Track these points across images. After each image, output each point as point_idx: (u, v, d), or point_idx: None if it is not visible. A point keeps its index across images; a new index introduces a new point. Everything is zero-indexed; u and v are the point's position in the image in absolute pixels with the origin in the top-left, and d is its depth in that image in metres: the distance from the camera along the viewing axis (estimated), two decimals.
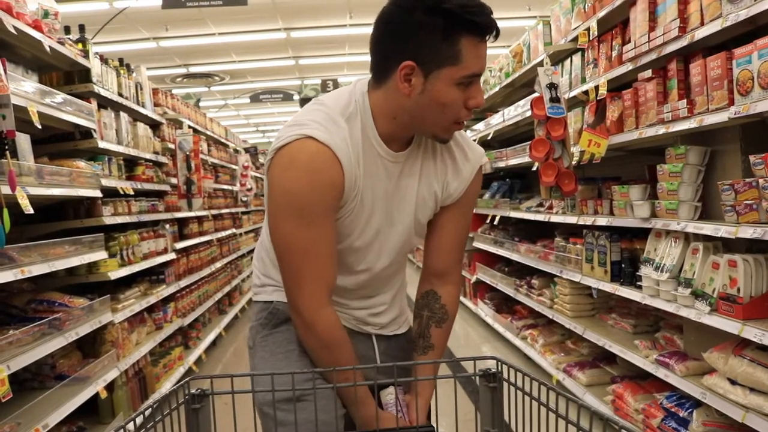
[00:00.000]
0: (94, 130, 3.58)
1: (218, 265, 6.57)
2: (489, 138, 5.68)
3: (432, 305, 1.51)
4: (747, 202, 2.26)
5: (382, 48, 1.31)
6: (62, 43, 3.29)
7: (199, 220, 6.02)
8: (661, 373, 2.83)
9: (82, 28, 3.74)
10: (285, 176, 1.28)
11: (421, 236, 1.52)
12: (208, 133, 7.13)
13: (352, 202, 1.35)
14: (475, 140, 6.08)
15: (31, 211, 2.55)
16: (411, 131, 1.39)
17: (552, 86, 3.60)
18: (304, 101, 12.86)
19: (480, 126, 5.93)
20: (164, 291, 4.48)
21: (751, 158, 2.28)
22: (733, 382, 2.36)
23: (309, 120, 1.31)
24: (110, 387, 3.40)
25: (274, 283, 1.52)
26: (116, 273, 3.59)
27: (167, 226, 4.82)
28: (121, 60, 4.26)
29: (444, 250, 1.52)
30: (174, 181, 5.26)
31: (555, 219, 4.02)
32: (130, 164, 4.31)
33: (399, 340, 1.60)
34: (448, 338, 1.54)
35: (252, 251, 6.65)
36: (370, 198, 1.38)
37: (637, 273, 3.03)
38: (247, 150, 10.61)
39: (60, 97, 3.17)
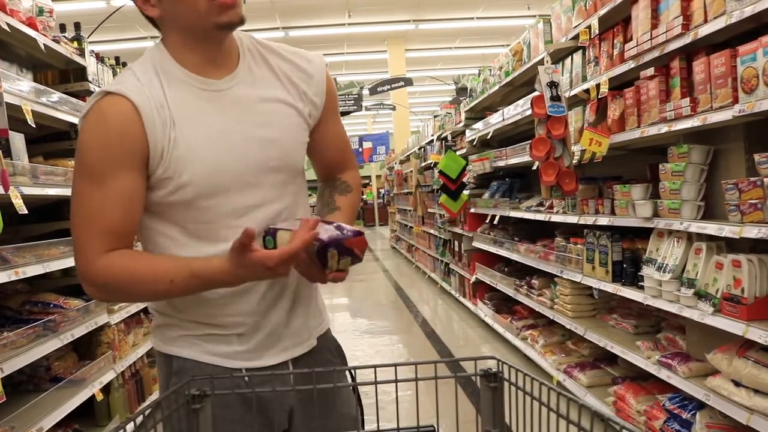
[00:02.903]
0: None
1: None
2: (488, 137, 5.65)
3: (332, 183, 1.48)
4: (751, 201, 2.23)
5: None
6: (57, 41, 3.26)
7: None
8: (663, 374, 2.81)
9: (77, 26, 3.71)
10: (79, 138, 1.22)
11: (293, 166, 1.35)
12: None
13: (169, 142, 1.21)
14: (473, 140, 6.08)
15: (26, 212, 2.52)
16: (211, 43, 1.26)
17: (552, 85, 3.57)
18: None
19: (479, 125, 5.90)
20: None
21: (756, 157, 2.25)
22: (737, 384, 2.34)
23: (111, 82, 1.30)
24: (106, 389, 3.37)
25: None
26: None
27: None
28: (117, 59, 4.23)
29: (340, 159, 1.50)
30: None
31: (555, 219, 3.99)
32: None
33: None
34: (356, 211, 1.49)
35: None
36: (202, 136, 1.24)
37: (639, 273, 3.00)
38: None
39: (55, 95, 3.14)
